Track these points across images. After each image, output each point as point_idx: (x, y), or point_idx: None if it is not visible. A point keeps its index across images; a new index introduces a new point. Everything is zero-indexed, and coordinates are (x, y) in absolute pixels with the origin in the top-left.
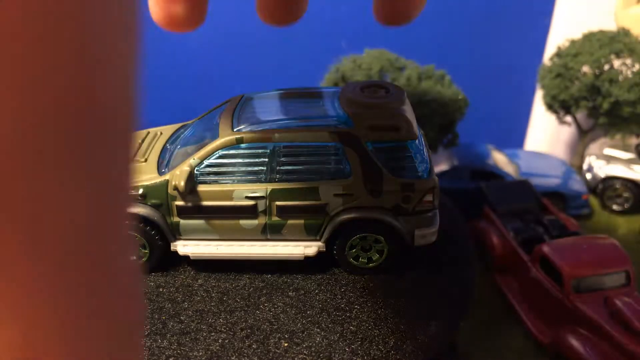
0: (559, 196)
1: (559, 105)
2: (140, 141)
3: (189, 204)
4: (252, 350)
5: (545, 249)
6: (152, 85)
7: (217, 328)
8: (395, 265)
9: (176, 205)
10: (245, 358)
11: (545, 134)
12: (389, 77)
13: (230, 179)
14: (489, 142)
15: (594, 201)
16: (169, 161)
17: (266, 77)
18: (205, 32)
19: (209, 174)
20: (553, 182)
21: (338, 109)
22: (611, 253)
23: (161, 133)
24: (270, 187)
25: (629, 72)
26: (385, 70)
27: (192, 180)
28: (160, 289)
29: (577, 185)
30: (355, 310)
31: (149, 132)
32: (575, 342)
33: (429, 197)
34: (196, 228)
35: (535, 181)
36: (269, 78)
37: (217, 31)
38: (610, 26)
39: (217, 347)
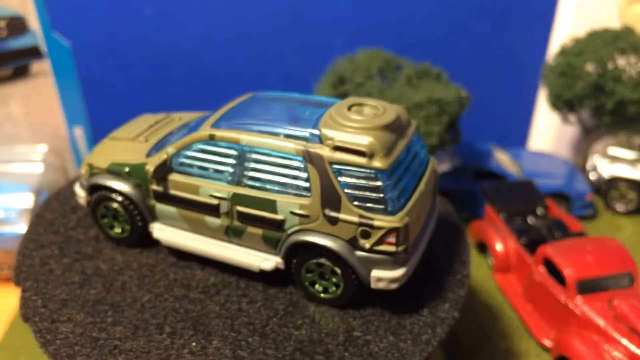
0: (563, 196)
1: (563, 104)
2: (154, 122)
3: (162, 190)
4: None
5: (549, 250)
6: (149, 81)
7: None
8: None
9: (152, 189)
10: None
11: (549, 134)
12: (388, 77)
13: (200, 174)
14: (492, 142)
15: (598, 202)
16: (162, 146)
17: (262, 76)
18: (201, 33)
19: (183, 164)
20: (557, 182)
21: (317, 122)
22: (615, 254)
23: (180, 119)
24: (233, 190)
25: (633, 71)
26: (383, 70)
27: (165, 167)
28: (123, 264)
29: (580, 185)
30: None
31: (169, 116)
32: (578, 344)
33: (391, 239)
34: (169, 215)
35: (538, 181)
36: (265, 77)
37: (214, 32)
38: (615, 24)
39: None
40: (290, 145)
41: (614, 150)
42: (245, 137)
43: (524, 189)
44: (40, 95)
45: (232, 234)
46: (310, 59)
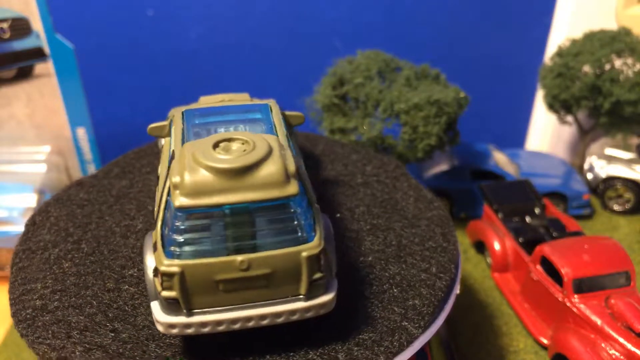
0: (560, 196)
1: (560, 105)
2: (226, 99)
3: (161, 149)
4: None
5: (546, 249)
6: (151, 82)
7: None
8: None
9: (161, 145)
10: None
11: (546, 134)
12: (387, 78)
13: (169, 147)
14: (490, 142)
15: (595, 201)
16: None
17: (263, 78)
18: (202, 35)
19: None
20: (554, 182)
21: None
22: (612, 254)
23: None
24: (163, 171)
25: (630, 72)
26: (383, 71)
27: (164, 131)
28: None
29: (578, 185)
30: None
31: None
32: (575, 342)
33: (158, 277)
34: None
35: (536, 181)
36: (266, 79)
37: (215, 33)
38: (611, 26)
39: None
40: (172, 149)
41: (610, 151)
42: (172, 128)
43: (522, 189)
44: (43, 96)
45: None
46: (310, 60)
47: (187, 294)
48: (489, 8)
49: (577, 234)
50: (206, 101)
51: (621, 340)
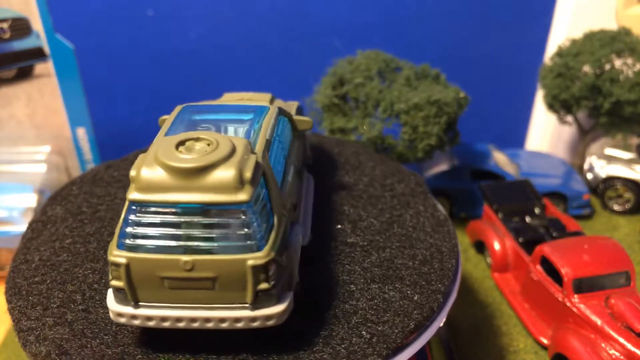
0: (560, 196)
1: (560, 105)
2: (245, 98)
3: None
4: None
5: (546, 249)
6: (151, 82)
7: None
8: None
9: None
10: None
11: (546, 134)
12: (388, 78)
13: None
14: (490, 142)
15: (595, 201)
16: None
17: (263, 77)
18: (202, 35)
19: None
20: (554, 182)
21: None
22: (612, 253)
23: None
24: None
25: (630, 72)
26: (383, 71)
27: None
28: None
29: (578, 185)
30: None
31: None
32: (575, 342)
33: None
34: None
35: (536, 181)
36: (266, 78)
37: (215, 33)
38: (611, 26)
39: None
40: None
41: (610, 151)
42: (165, 122)
43: (522, 189)
44: (43, 96)
45: None
46: (310, 60)
47: (133, 286)
48: (489, 8)
49: (577, 234)
50: (227, 98)
51: (621, 340)
